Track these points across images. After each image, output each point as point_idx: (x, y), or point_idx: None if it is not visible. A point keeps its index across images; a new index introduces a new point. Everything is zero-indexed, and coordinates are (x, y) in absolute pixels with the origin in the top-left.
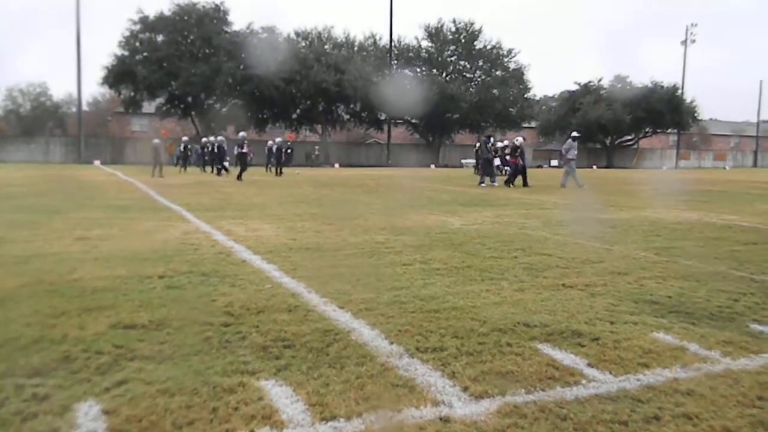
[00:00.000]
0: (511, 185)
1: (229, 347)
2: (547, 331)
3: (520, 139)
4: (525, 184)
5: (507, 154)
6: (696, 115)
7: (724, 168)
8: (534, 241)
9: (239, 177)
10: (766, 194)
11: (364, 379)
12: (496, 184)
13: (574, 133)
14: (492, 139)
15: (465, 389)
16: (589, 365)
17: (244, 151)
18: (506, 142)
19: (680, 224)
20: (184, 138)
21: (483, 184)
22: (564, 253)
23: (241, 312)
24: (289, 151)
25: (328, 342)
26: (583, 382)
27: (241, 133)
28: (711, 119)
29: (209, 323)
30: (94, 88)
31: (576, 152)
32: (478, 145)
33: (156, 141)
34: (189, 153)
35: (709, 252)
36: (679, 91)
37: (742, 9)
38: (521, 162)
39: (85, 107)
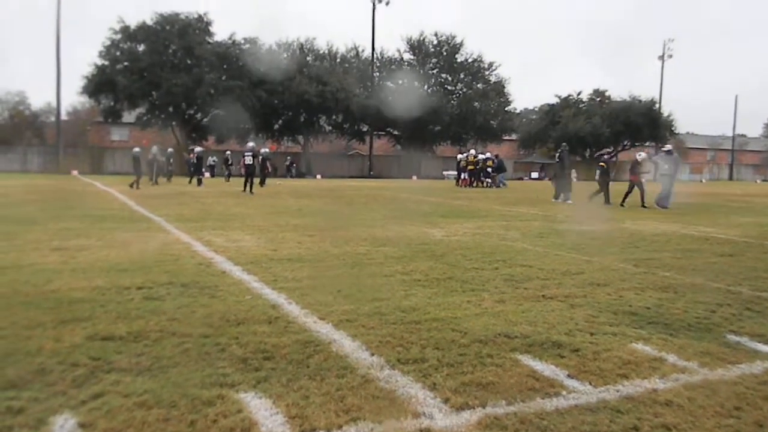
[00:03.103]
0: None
1: (208, 359)
2: (528, 342)
3: (643, 154)
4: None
5: (488, 167)
6: (673, 128)
7: (701, 181)
8: (514, 253)
9: (249, 186)
10: (742, 207)
11: (345, 390)
12: (570, 202)
13: (667, 146)
14: (564, 150)
15: (446, 401)
16: (569, 376)
17: (250, 162)
18: (488, 155)
19: (658, 236)
20: (198, 149)
21: (569, 201)
22: (544, 265)
23: (221, 323)
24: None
25: (308, 353)
26: (563, 393)
27: (250, 143)
28: (688, 133)
29: (188, 335)
30: (73, 98)
31: (668, 167)
32: (459, 157)
33: (136, 149)
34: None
35: (687, 264)
36: (657, 105)
37: (719, 22)
38: (640, 180)
39: (64, 117)
